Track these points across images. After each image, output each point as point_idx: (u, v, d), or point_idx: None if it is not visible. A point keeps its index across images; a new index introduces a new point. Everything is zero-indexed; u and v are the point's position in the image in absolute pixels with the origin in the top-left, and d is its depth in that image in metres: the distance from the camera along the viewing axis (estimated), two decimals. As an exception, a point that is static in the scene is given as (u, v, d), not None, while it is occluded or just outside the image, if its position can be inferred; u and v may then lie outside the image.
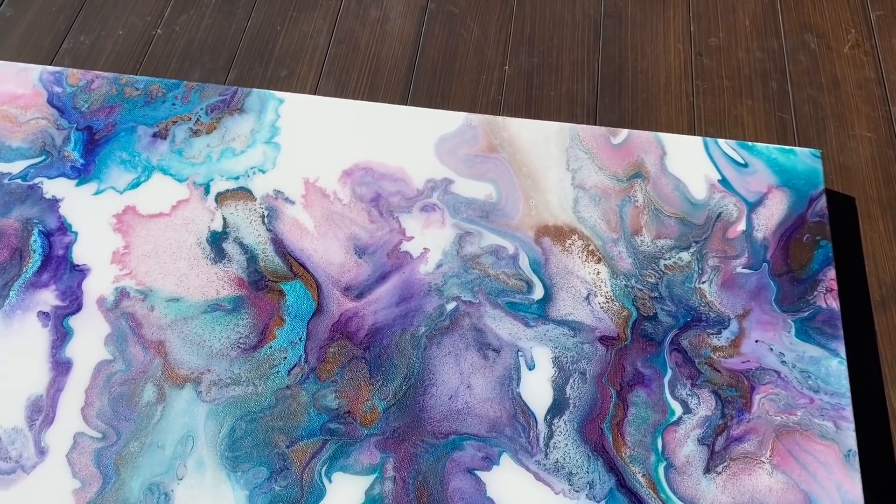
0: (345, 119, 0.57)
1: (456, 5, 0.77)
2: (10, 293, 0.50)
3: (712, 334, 0.48)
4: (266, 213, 0.53)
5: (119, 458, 0.44)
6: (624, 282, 0.50)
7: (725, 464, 0.44)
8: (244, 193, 0.54)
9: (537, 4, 0.76)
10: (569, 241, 0.52)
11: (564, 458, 0.44)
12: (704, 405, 0.46)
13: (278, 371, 0.47)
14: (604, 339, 0.48)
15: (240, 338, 0.48)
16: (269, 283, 0.50)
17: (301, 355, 0.47)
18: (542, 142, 0.56)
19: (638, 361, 0.47)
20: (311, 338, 0.48)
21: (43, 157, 0.56)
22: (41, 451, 0.44)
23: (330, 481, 0.43)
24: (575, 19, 0.75)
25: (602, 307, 0.49)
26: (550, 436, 0.45)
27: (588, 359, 0.48)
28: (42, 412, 0.46)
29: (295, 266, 0.51)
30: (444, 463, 0.44)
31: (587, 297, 0.50)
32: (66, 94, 0.59)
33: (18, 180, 0.55)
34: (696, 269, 0.51)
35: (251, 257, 0.51)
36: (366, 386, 0.47)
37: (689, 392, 0.46)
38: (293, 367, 0.47)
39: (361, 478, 0.44)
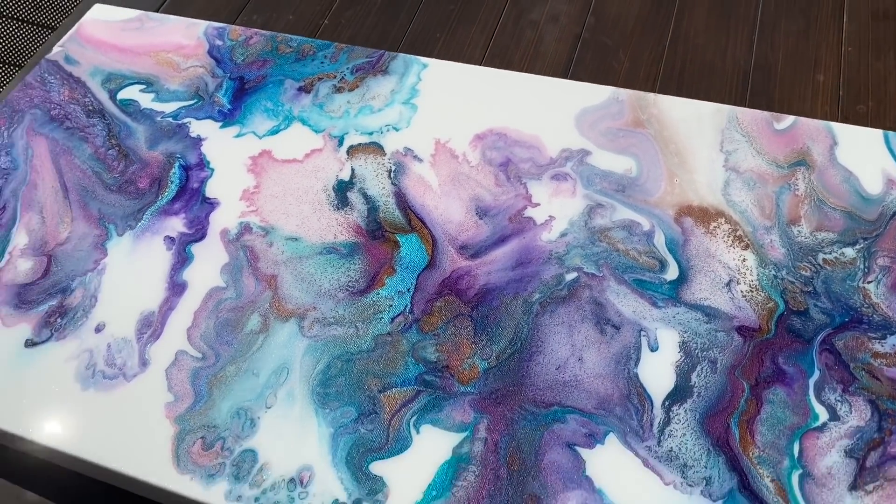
0: (484, 86, 0.56)
1: (610, 38, 0.75)
2: (144, 217, 0.52)
3: (874, 339, 0.41)
4: (393, 168, 0.52)
5: (214, 379, 0.43)
6: (773, 272, 0.44)
7: (878, 483, 0.36)
8: (375, 148, 0.53)
9: (689, 47, 0.73)
10: (714, 224, 0.47)
11: (680, 449, 0.39)
12: (857, 414, 0.39)
13: (382, 317, 0.45)
14: (742, 330, 0.42)
15: (349, 281, 0.47)
16: (385, 233, 0.49)
17: (407, 305, 0.45)
18: (695, 120, 0.52)
19: (780, 357, 0.41)
20: (419, 290, 0.46)
21: (195, 101, 0.58)
22: (143, 363, 0.45)
23: (418, 432, 0.40)
24: (725, 67, 0.70)
25: (744, 296, 0.44)
26: (667, 422, 0.40)
27: (721, 348, 0.42)
28: (151, 327, 0.46)
29: (414, 220, 0.49)
30: (543, 433, 0.40)
31: (728, 284, 0.44)
32: (225, 46, 0.62)
33: (170, 119, 0.57)
34: (862, 267, 0.44)
35: (372, 208, 0.50)
36: (468, 344, 0.43)
37: (839, 397, 0.39)
38: (397, 316, 0.45)
39: (451, 434, 0.40)
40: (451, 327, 0.44)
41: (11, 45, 0.89)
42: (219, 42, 0.62)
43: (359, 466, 0.40)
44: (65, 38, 0.64)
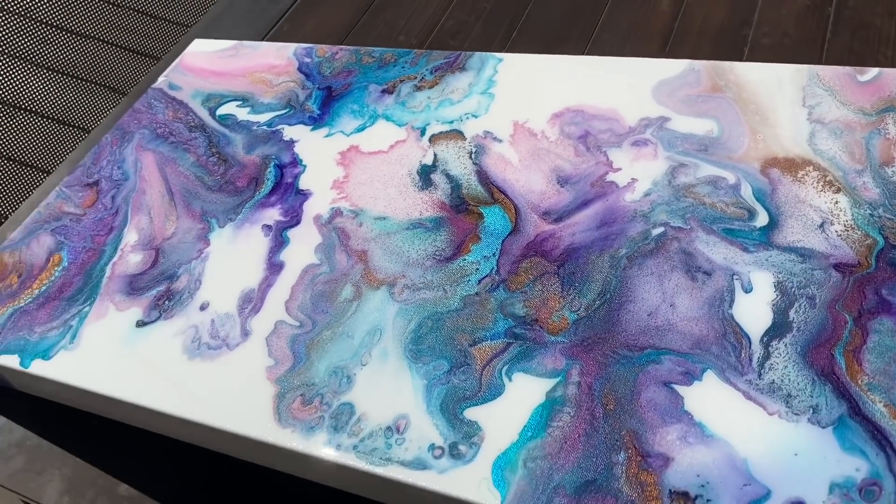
0: (559, 71, 0.57)
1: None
2: (243, 210, 0.55)
3: None
4: (474, 150, 0.54)
5: (311, 343, 0.45)
6: (869, 211, 0.43)
7: None
8: (456, 134, 0.55)
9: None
10: (802, 172, 0.46)
11: (783, 380, 0.37)
12: (976, 335, 0.36)
13: (469, 280, 0.46)
14: (840, 266, 0.41)
15: (436, 250, 0.48)
16: (469, 206, 0.50)
17: (493, 268, 0.46)
18: (774, 82, 0.52)
19: (883, 289, 0.39)
20: (505, 253, 0.47)
21: (287, 110, 0.62)
22: (245, 333, 0.47)
23: (510, 380, 0.40)
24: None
25: (839, 235, 0.42)
26: (766, 357, 0.38)
27: (819, 284, 0.41)
28: (252, 302, 0.48)
29: (496, 193, 0.50)
30: (637, 374, 0.39)
31: (821, 226, 0.43)
32: (313, 63, 0.66)
33: (264, 127, 0.61)
34: (967, 198, 0.42)
35: (455, 185, 0.52)
36: (556, 298, 0.44)
37: (954, 321, 0.37)
38: (483, 278, 0.46)
39: (543, 380, 0.40)
40: (538, 285, 0.45)
41: (116, 72, 0.97)
42: (307, 59, 0.67)
43: (453, 413, 0.40)
44: (168, 69, 0.70)
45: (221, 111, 0.64)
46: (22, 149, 0.92)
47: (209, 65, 0.69)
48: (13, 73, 0.89)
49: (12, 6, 0.88)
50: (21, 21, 0.89)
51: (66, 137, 0.95)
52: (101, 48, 0.97)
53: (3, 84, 0.88)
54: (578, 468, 0.36)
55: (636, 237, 0.45)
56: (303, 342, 0.45)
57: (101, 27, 0.97)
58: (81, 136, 0.96)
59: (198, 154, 0.61)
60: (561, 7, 0.79)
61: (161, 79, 0.69)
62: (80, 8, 0.93)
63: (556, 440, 0.38)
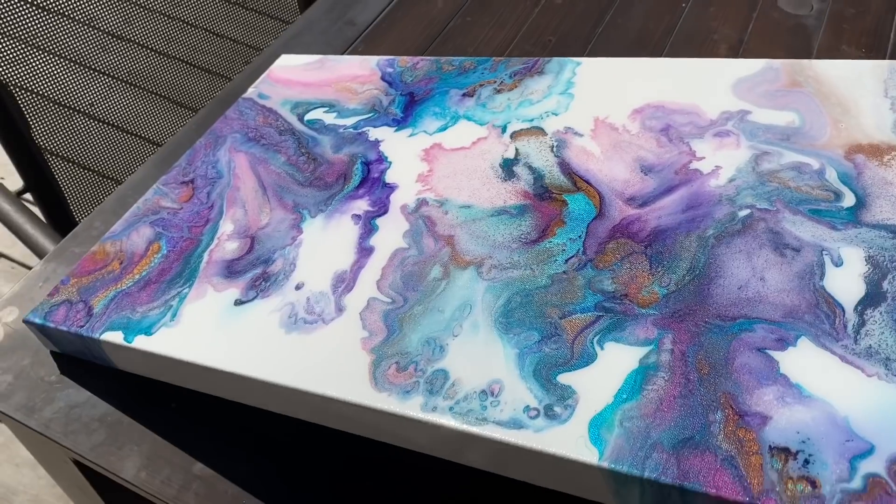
0: (638, 73, 0.59)
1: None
2: (333, 202, 0.57)
3: None
4: (555, 144, 0.56)
5: (403, 317, 0.47)
6: (959, 190, 0.43)
7: None
8: (537, 130, 0.57)
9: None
10: (888, 157, 0.47)
11: (880, 346, 0.38)
12: None
13: (556, 259, 0.47)
14: (933, 241, 0.41)
15: (521, 234, 0.50)
16: (552, 195, 0.52)
17: (579, 248, 0.47)
18: (855, 76, 0.53)
19: (981, 261, 0.39)
20: (591, 236, 0.48)
21: (372, 114, 0.65)
22: (339, 309, 0.49)
23: (602, 349, 0.41)
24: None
25: (930, 213, 0.43)
26: (862, 325, 0.39)
27: (912, 258, 0.41)
28: (345, 282, 0.50)
29: (579, 182, 0.52)
30: (731, 341, 0.40)
31: (910, 205, 0.43)
32: (395, 72, 0.69)
33: (350, 129, 0.64)
34: None
35: (538, 176, 0.53)
36: (645, 275, 0.45)
37: None
38: (571, 258, 0.47)
39: (636, 348, 0.41)
40: (626, 264, 0.46)
41: (188, 90, 1.02)
42: (389, 69, 0.70)
43: (546, 378, 0.41)
44: (257, 81, 0.74)
45: (309, 116, 0.67)
46: (95, 157, 0.97)
47: (296, 76, 0.73)
48: (90, 84, 0.95)
49: (102, 25, 0.94)
50: (104, 38, 0.95)
51: (138, 149, 1.00)
52: (176, 66, 1.02)
53: (81, 95, 0.93)
54: (675, 427, 0.37)
55: (723, 219, 0.46)
56: (395, 316, 0.47)
57: (177, 46, 1.02)
58: (151, 149, 1.01)
59: (288, 154, 0.64)
60: (624, 42, 0.82)
61: (251, 90, 0.73)
62: (159, 28, 0.99)
63: (652, 402, 0.38)
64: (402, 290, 0.49)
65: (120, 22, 0.96)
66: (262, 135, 0.67)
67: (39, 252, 0.78)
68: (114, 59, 0.95)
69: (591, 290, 0.45)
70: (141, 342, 0.51)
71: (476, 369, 0.42)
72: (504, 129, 0.58)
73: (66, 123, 0.90)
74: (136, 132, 0.97)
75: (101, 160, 0.95)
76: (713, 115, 0.53)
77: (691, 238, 0.46)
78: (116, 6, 0.92)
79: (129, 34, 0.97)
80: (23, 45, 0.84)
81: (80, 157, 0.92)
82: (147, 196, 0.64)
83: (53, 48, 0.88)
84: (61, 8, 0.87)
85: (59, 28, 0.87)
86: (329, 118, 0.67)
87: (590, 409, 0.39)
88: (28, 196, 0.87)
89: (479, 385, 0.41)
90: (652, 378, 0.39)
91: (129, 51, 0.97)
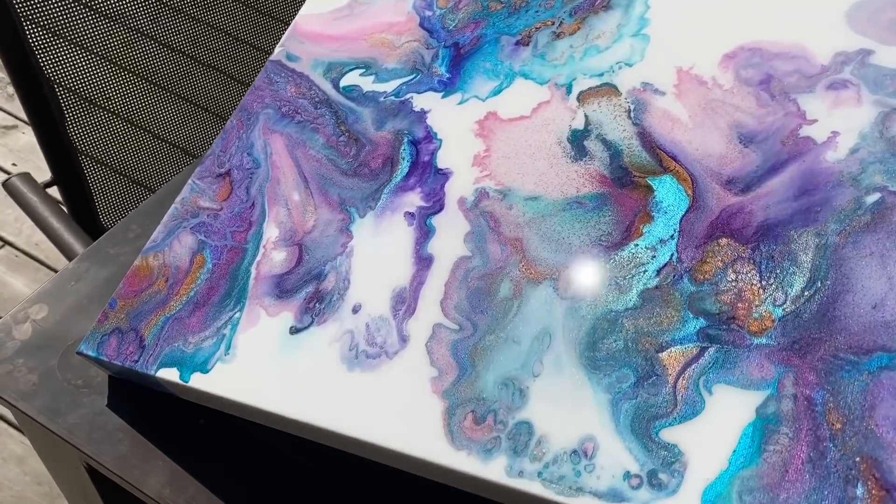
0: (726, 3, 0.49)
1: None
2: (382, 196, 0.51)
3: None
4: (632, 108, 0.47)
5: (474, 350, 0.42)
6: None
7: None
8: (609, 89, 0.49)
9: None
10: None
11: None
12: None
13: (645, 270, 0.40)
14: None
15: (601, 235, 0.43)
16: (634, 178, 0.44)
17: (672, 254, 0.40)
18: None
19: None
20: (685, 235, 0.41)
21: (414, 75, 0.57)
22: (403, 339, 0.44)
23: (710, 393, 0.35)
24: None
25: None
26: None
27: None
28: (405, 303, 0.45)
29: (665, 160, 0.44)
30: (867, 383, 0.33)
31: None
32: (435, 16, 0.60)
33: (392, 97, 0.57)
34: None
35: (615, 153, 0.46)
36: (754, 290, 0.38)
37: None
38: (663, 267, 0.40)
39: (750, 393, 0.35)
40: (730, 273, 0.39)
41: (228, 103, 0.95)
42: (428, 12, 0.61)
43: (647, 434, 0.36)
44: (284, 37, 0.66)
45: (345, 82, 0.60)
46: (128, 161, 0.93)
47: (324, 28, 0.65)
48: (130, 88, 0.90)
49: (148, 31, 0.87)
50: (150, 44, 0.89)
51: (172, 158, 0.96)
52: (218, 78, 0.96)
53: (121, 98, 0.88)
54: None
55: (846, 207, 0.38)
56: (465, 349, 0.42)
57: (221, 58, 0.96)
58: (186, 159, 0.96)
59: (327, 134, 0.57)
60: None
61: (278, 49, 0.66)
62: (205, 39, 0.93)
63: (775, 468, 0.33)
64: (469, 314, 0.43)
65: (167, 30, 0.89)
66: (297, 108, 0.60)
67: (65, 249, 0.76)
68: (156, 65, 0.89)
69: (690, 311, 0.38)
70: (198, 381, 0.48)
71: (564, 421, 0.37)
72: (569, 89, 0.50)
73: (103, 125, 0.85)
74: (171, 140, 0.92)
75: (134, 165, 0.91)
76: (824, 58, 0.44)
77: (807, 236, 0.38)
78: (166, 14, 0.86)
79: (175, 42, 0.90)
80: (68, 44, 0.79)
81: (113, 159, 0.88)
82: (184, 194, 0.59)
83: (99, 50, 0.83)
84: (110, 11, 0.81)
85: (106, 30, 0.82)
86: (367, 83, 0.59)
87: (701, 477, 0.34)
88: (54, 189, 0.83)
89: (570, 443, 0.37)
90: (773, 435, 0.34)
91: (172, 59, 0.90)
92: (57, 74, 0.81)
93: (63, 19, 0.79)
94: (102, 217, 0.89)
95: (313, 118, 0.59)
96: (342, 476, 0.48)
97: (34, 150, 1.49)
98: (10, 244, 1.43)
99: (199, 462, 0.51)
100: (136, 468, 0.51)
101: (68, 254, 0.78)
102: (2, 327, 0.58)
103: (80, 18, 0.81)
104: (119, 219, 0.93)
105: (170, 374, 0.49)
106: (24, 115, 1.55)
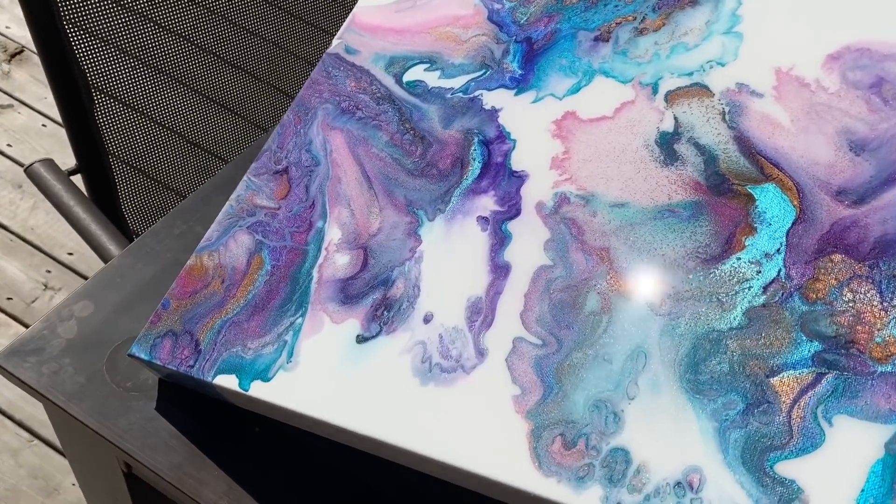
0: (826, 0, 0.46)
1: None
2: (452, 199, 0.48)
3: None
4: (727, 110, 0.44)
5: (560, 367, 0.39)
6: None
7: None
8: (699, 90, 0.46)
9: None
10: None
11: None
12: None
13: (750, 286, 0.37)
14: None
15: (698, 247, 0.40)
16: (733, 186, 0.41)
17: (780, 269, 0.37)
18: None
19: None
20: (793, 250, 0.38)
21: (483, 71, 0.54)
22: (480, 353, 0.41)
23: (830, 425, 0.32)
24: None
25: None
26: None
27: None
28: (481, 314, 0.42)
29: (766, 167, 0.41)
30: None
31: None
32: (505, 10, 0.57)
33: (460, 94, 0.54)
34: None
35: (709, 158, 0.43)
36: (875, 311, 0.35)
37: None
38: (770, 283, 0.37)
39: (878, 426, 0.32)
40: (846, 293, 0.36)
41: (262, 109, 0.94)
42: (497, 6, 0.58)
43: (760, 467, 0.33)
44: (342, 30, 0.64)
45: (408, 77, 0.57)
46: (158, 165, 0.92)
47: (385, 21, 0.62)
48: (163, 90, 0.88)
49: (183, 32, 0.86)
50: (184, 45, 0.87)
51: (203, 163, 0.95)
52: (253, 84, 0.95)
53: (154, 100, 0.87)
54: (952, 555, 0.29)
55: (977, 224, 0.35)
56: (550, 366, 0.39)
57: (259, 64, 0.95)
58: (217, 164, 0.95)
59: (390, 131, 0.55)
60: None
61: (335, 42, 0.63)
62: (242, 44, 0.92)
63: (911, 512, 0.30)
64: (553, 328, 0.40)
65: (203, 33, 0.87)
66: (357, 104, 0.58)
67: (99, 250, 0.74)
68: (191, 68, 0.88)
69: (803, 333, 0.35)
70: (259, 390, 0.45)
71: (665, 449, 0.34)
72: (655, 89, 0.47)
73: (135, 127, 0.84)
74: (203, 146, 0.91)
75: (164, 169, 0.89)
76: (946, 60, 0.40)
77: (936, 254, 0.35)
78: (203, 17, 0.84)
79: (211, 46, 0.89)
80: (106, 46, 0.77)
81: (143, 161, 0.87)
82: (239, 192, 0.57)
83: (137, 52, 0.81)
84: (150, 13, 0.79)
85: (144, 32, 0.80)
86: (432, 78, 0.56)
87: (826, 519, 0.31)
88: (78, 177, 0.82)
89: (673, 474, 0.34)
90: (907, 474, 0.30)
91: (208, 62, 0.89)
92: (94, 75, 0.80)
93: (101, 19, 0.78)
94: (130, 221, 0.88)
95: (375, 114, 0.56)
96: (406, 494, 0.46)
97: (29, 130, 1.47)
98: (5, 227, 1.34)
99: (255, 472, 0.49)
100: (191, 477, 0.49)
101: (99, 248, 0.75)
102: (47, 325, 0.55)
103: (114, 17, 0.79)
104: (145, 218, 0.92)
105: (228, 382, 0.47)
106: (20, 95, 1.53)
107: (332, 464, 0.48)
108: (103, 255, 0.75)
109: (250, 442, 0.50)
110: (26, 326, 1.30)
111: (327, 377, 0.44)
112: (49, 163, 0.80)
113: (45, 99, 1.52)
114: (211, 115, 0.92)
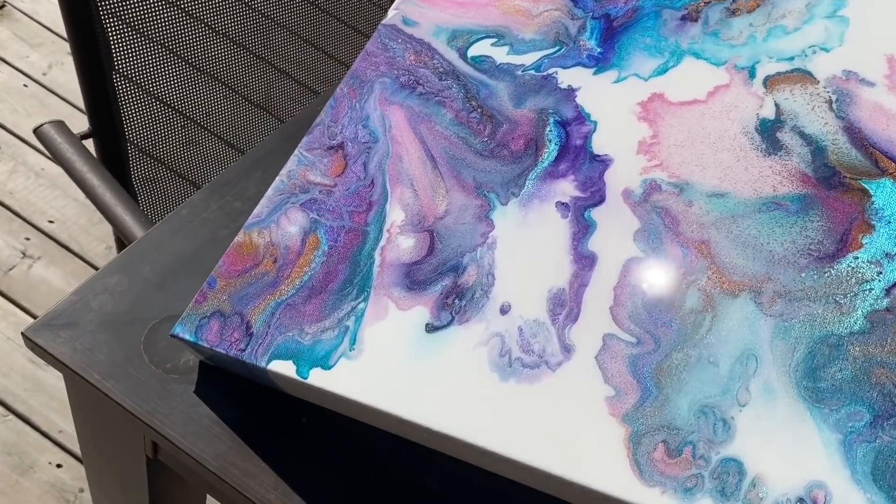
0: (941, -17, 0.43)
1: None
2: (526, 182, 0.45)
3: None
4: (834, 98, 0.41)
5: (659, 369, 0.36)
6: None
7: None
8: (801, 76, 0.43)
9: None
10: None
11: None
12: None
13: (871, 288, 0.34)
14: None
15: (810, 243, 0.37)
16: (844, 179, 0.38)
17: (905, 271, 0.34)
18: None
19: None
20: (918, 250, 0.35)
21: (557, 48, 0.51)
22: (566, 349, 0.38)
23: (974, 444, 0.30)
24: None
25: None
26: None
27: None
28: (565, 307, 0.39)
29: (882, 160, 0.38)
30: None
31: None
32: (579, -16, 0.54)
33: (531, 71, 0.51)
34: None
35: (817, 149, 0.40)
36: None
37: None
38: (893, 286, 0.34)
39: None
40: (982, 298, 0.33)
41: (280, 100, 0.91)
42: (570, -21, 0.54)
43: (894, 486, 0.30)
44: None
45: (473, 52, 0.54)
46: (173, 152, 0.89)
47: (446, -8, 0.59)
48: (184, 77, 0.85)
49: (207, 19, 0.83)
50: (207, 32, 0.84)
51: (218, 151, 0.92)
52: (273, 74, 0.92)
53: (174, 87, 0.84)
54: None
55: None
56: (647, 366, 0.36)
57: (279, 54, 0.92)
58: (233, 154, 0.92)
59: (455, 109, 0.51)
60: None
61: (392, 12, 0.60)
62: (264, 33, 0.89)
63: None
64: (648, 326, 0.37)
65: (227, 20, 0.84)
66: (418, 79, 0.54)
67: (121, 228, 0.70)
68: (212, 54, 0.85)
69: (935, 341, 0.32)
70: (319, 378, 0.42)
71: (783, 462, 0.32)
72: (752, 73, 0.44)
73: (154, 114, 0.80)
74: (220, 134, 0.87)
75: (179, 156, 0.86)
76: None
77: None
78: (229, 4, 0.81)
79: (234, 34, 0.86)
80: (132, 30, 0.74)
81: (158, 149, 0.83)
82: (290, 167, 0.53)
83: (160, 37, 0.78)
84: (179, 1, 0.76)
85: (169, 17, 0.77)
86: (499, 54, 0.53)
87: (975, 547, 0.28)
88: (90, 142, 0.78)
89: (793, 489, 0.31)
90: None
91: (229, 49, 0.86)
92: (120, 60, 0.76)
93: (134, 8, 0.75)
94: (141, 203, 0.85)
95: (438, 90, 0.53)
96: (452, 488, 0.43)
97: (10, 90, 1.41)
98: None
99: (304, 466, 0.46)
100: (236, 468, 0.46)
101: (111, 216, 0.72)
102: (80, 298, 0.52)
103: (147, 5, 0.76)
104: (158, 204, 0.89)
105: (284, 368, 0.43)
106: (0, 52, 1.45)
107: (383, 457, 0.45)
108: (118, 224, 0.72)
109: (297, 432, 0.47)
110: (2, 295, 1.26)
111: (395, 367, 0.41)
112: (60, 125, 0.77)
113: (27, 58, 1.45)
114: (229, 104, 0.89)
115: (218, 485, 0.47)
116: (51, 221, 1.33)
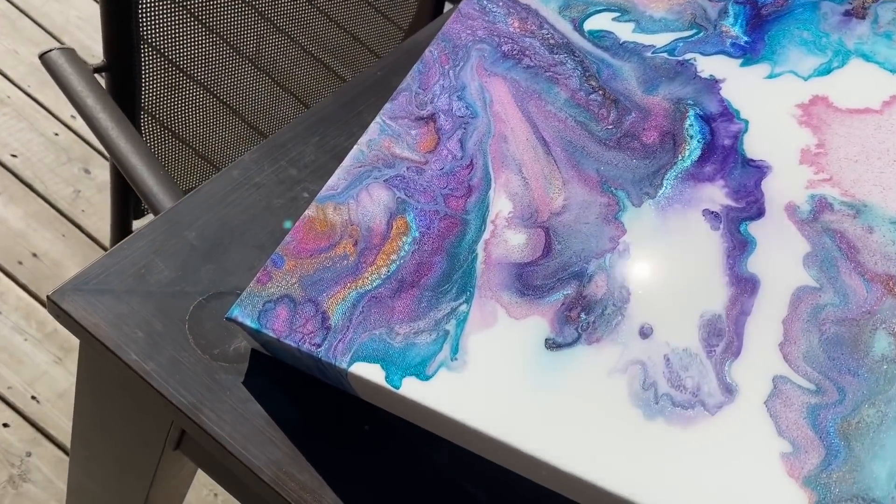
0: None
1: None
2: (664, 182, 0.39)
3: None
4: None
5: (846, 424, 0.30)
6: None
7: None
8: None
9: None
10: None
11: None
12: None
13: None
14: None
15: None
16: None
17: None
18: None
19: None
20: None
21: (694, 31, 0.45)
22: (727, 389, 0.32)
23: None
24: None
25: None
26: None
27: None
28: (723, 338, 0.34)
29: None
30: None
31: None
32: (718, -39, 0.48)
33: (664, 54, 0.44)
34: None
35: None
36: None
37: None
38: None
39: None
40: None
41: (308, 84, 0.84)
42: (707, -45, 0.48)
43: None
44: (498, -42, 0.53)
45: (591, 25, 0.47)
46: (193, 129, 0.82)
47: (556, -45, 0.52)
48: (213, 53, 0.78)
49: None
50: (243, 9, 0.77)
51: (239, 132, 0.85)
52: (303, 56, 0.86)
53: (202, 62, 0.77)
54: None
55: None
56: (832, 420, 0.30)
57: (310, 37, 0.86)
58: (255, 137, 0.85)
59: (571, 88, 0.45)
60: None
61: (490, -29, 0.53)
62: (300, 15, 0.82)
63: None
64: (829, 371, 0.32)
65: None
66: (523, 49, 0.48)
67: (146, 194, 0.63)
68: (241, 31, 0.77)
69: None
70: (414, 389, 0.36)
71: None
72: (937, 85, 0.38)
73: (177, 88, 0.73)
74: (243, 115, 0.80)
75: (199, 133, 0.78)
76: None
77: None
78: None
79: (268, 12, 0.78)
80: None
81: (177, 124, 0.76)
82: (371, 135, 0.46)
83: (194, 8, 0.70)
84: None
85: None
86: (623, 31, 0.46)
87: None
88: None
89: None
90: None
91: (261, 28, 0.78)
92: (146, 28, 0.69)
93: None
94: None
95: (549, 65, 0.46)
96: None
97: None
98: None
99: (367, 482, 0.40)
100: (293, 480, 0.39)
101: (118, 157, 0.64)
102: (115, 263, 0.45)
103: None
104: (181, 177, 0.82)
105: (369, 372, 0.37)
106: None
107: (455, 479, 0.39)
108: (125, 166, 0.64)
109: (360, 442, 0.41)
110: (-47, 231, 1.14)
111: (510, 386, 0.35)
112: (70, 52, 0.68)
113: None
114: (255, 83, 0.82)
115: (265, 493, 0.41)
116: (13, 155, 1.21)
